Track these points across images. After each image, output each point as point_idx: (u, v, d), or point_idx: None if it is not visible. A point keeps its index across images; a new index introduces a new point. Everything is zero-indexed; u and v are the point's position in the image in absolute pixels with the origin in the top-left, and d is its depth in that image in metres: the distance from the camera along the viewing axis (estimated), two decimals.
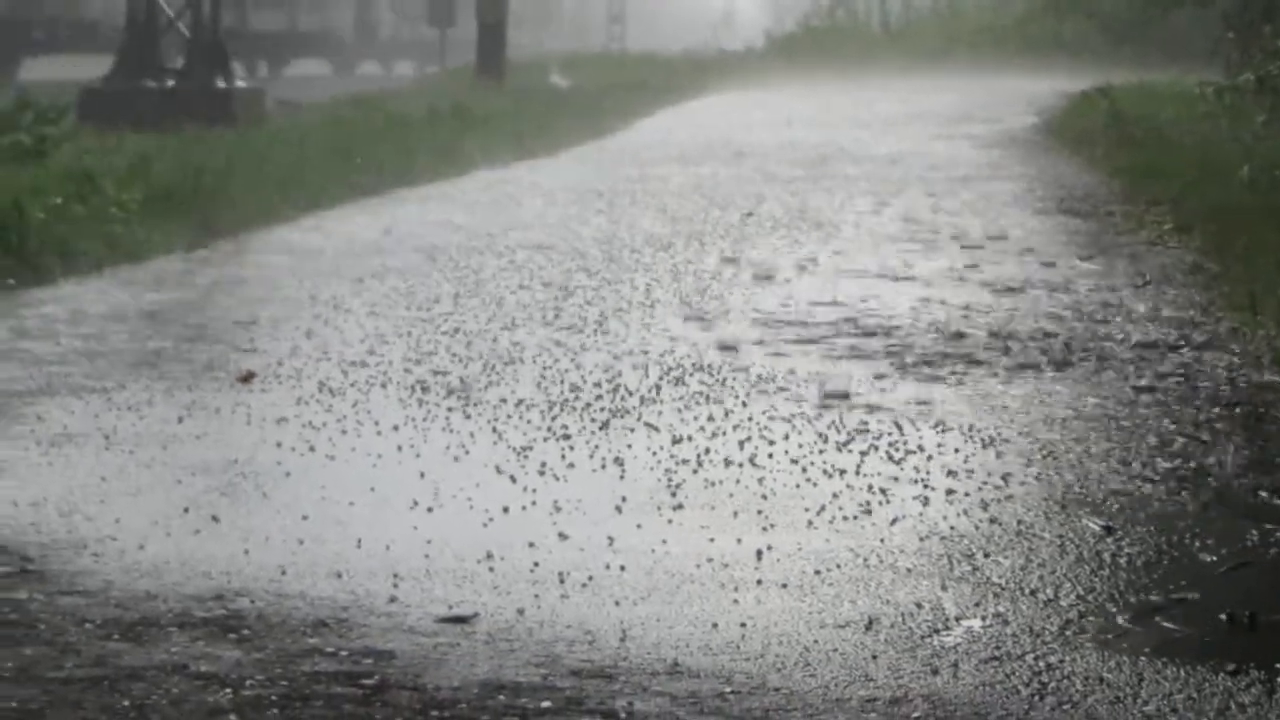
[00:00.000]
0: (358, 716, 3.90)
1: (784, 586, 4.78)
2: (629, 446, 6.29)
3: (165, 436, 6.43)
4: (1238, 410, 6.85)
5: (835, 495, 5.66)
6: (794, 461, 6.08)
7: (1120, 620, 4.52)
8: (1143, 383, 7.37)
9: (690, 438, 6.41)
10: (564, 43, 59.25)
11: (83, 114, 18.45)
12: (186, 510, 5.46)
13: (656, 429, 6.55)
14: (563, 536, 5.22)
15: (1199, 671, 4.16)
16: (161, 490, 5.73)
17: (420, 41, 46.05)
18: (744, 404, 6.96)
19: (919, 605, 4.61)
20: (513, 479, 5.86)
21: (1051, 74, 31.11)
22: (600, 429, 6.56)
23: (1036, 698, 4.01)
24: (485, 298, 9.54)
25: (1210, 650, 4.31)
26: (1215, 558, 5.05)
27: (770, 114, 25.35)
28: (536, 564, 4.95)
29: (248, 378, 7.41)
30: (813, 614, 4.56)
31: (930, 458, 6.13)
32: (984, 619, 4.51)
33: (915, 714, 3.92)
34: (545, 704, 3.96)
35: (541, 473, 5.94)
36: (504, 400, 7.01)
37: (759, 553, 5.06)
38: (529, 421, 6.66)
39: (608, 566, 4.94)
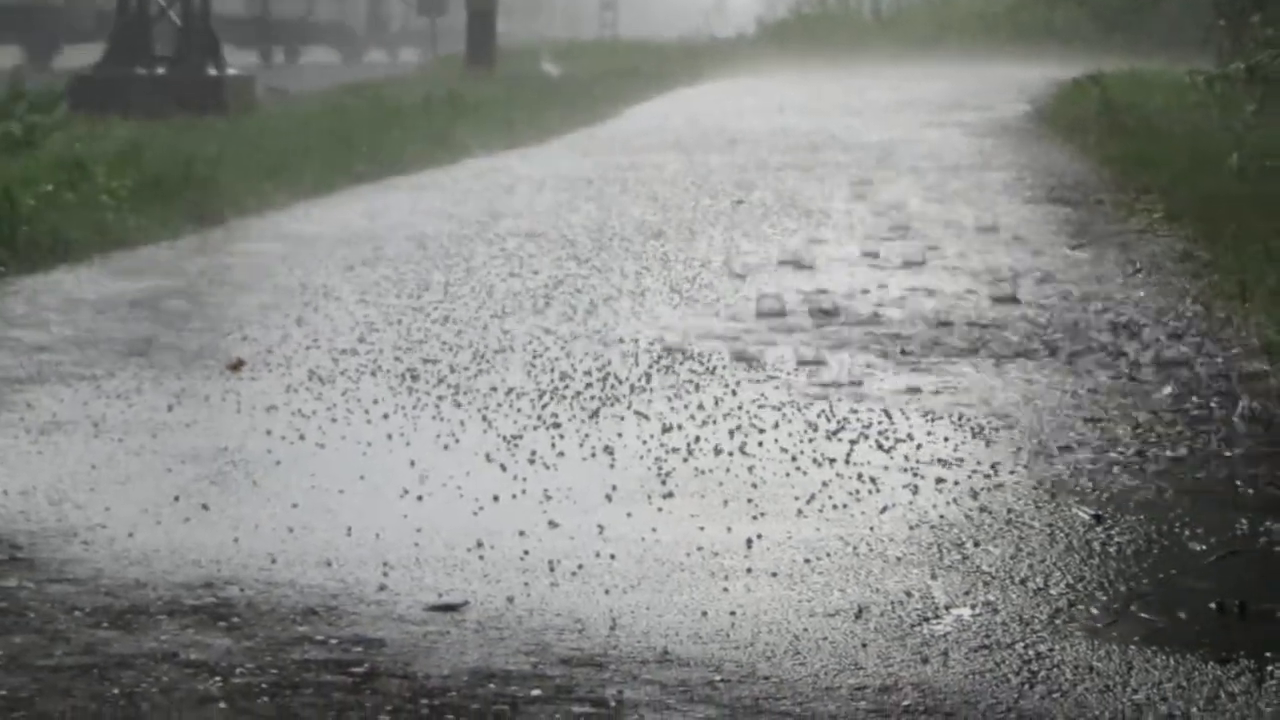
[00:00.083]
0: (347, 704, 3.90)
1: (774, 575, 4.78)
2: (619, 435, 6.29)
3: (155, 424, 6.43)
4: (1228, 398, 6.85)
5: (825, 484, 5.66)
6: (784, 450, 6.08)
7: (1110, 609, 4.52)
8: (1133, 371, 7.37)
9: (680, 426, 6.41)
10: (556, 30, 59.24)
11: (74, 102, 18.44)
12: (176, 498, 5.46)
13: (646, 417, 6.55)
14: (553, 525, 5.22)
15: (1188, 660, 4.16)
16: (151, 478, 5.73)
17: (428, 31, 46.52)
18: (734, 392, 6.96)
19: (909, 594, 4.62)
20: (503, 467, 5.86)
21: (1043, 61, 31.15)
22: (590, 417, 6.56)
23: (1026, 686, 4.02)
24: (475, 286, 9.54)
25: (1200, 639, 4.31)
26: (1205, 546, 5.05)
27: (762, 101, 25.35)
28: (526, 552, 4.95)
29: (237, 366, 7.40)
30: (802, 602, 4.56)
31: (920, 446, 6.14)
32: (973, 607, 4.52)
33: (905, 702, 3.93)
34: (535, 692, 3.96)
35: (531, 461, 5.94)
36: (494, 389, 7.01)
37: (749, 541, 5.06)
38: (519, 410, 6.66)
39: (598, 555, 4.94)
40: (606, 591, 4.65)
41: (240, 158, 14.19)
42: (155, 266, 10.33)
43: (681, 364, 7.50)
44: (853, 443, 6.19)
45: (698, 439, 6.23)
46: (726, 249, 10.96)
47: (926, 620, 4.43)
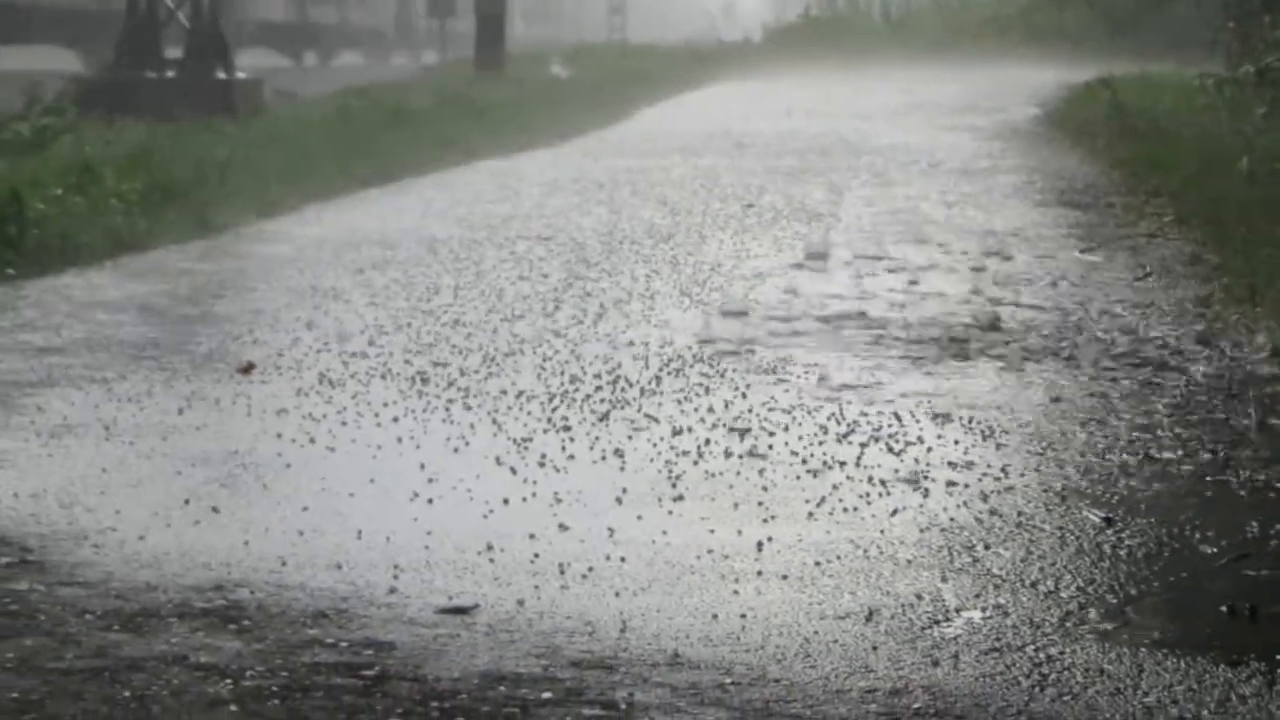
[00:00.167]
0: (358, 707, 3.90)
1: (784, 578, 4.78)
2: (629, 438, 6.29)
3: (165, 428, 6.43)
4: (1238, 402, 6.85)
5: (835, 487, 5.66)
6: (794, 453, 6.08)
7: (1121, 612, 4.52)
8: (1143, 374, 7.37)
9: (690, 429, 6.41)
10: (565, 34, 59.30)
11: (84, 105, 18.47)
12: (187, 501, 5.46)
13: (656, 420, 6.55)
14: (563, 528, 5.22)
15: (1199, 663, 4.16)
16: (161, 481, 5.73)
17: (451, 34, 47.02)
18: (744, 395, 6.96)
19: (919, 596, 4.61)
20: (513, 470, 5.86)
21: (1054, 64, 31.15)
22: (600, 420, 6.56)
23: (1037, 689, 4.01)
24: (485, 289, 9.54)
25: (1211, 642, 4.30)
26: (1216, 549, 5.04)
27: (771, 104, 25.34)
28: (536, 555, 4.95)
29: (248, 369, 7.41)
30: (813, 605, 4.56)
31: (930, 449, 6.13)
32: (984, 610, 4.51)
33: (915, 705, 3.92)
34: (545, 695, 3.96)
35: (541, 464, 5.94)
36: (504, 392, 7.01)
37: (759, 544, 5.06)
38: (529, 413, 6.66)
39: (608, 558, 4.94)
40: (617, 594, 4.64)
41: (249, 161, 14.19)
42: (165, 270, 10.34)
43: (691, 367, 7.50)
44: (863, 446, 6.18)
45: (708, 441, 6.22)
46: (736, 253, 10.96)
47: (937, 623, 4.42)
